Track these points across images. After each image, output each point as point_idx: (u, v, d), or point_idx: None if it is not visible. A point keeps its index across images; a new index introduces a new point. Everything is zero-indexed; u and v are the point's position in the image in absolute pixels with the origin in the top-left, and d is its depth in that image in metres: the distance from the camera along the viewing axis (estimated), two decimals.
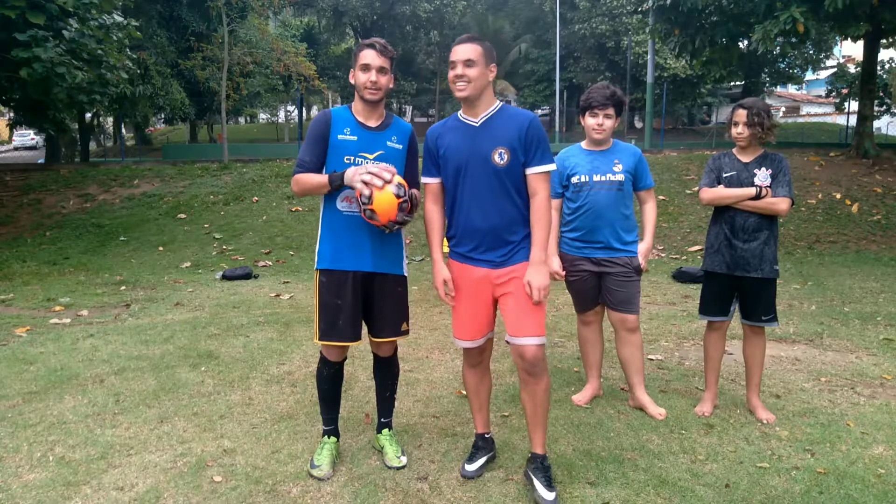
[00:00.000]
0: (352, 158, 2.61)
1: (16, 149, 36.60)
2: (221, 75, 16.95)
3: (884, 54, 22.11)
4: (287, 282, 7.61)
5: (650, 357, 4.44)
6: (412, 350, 4.62)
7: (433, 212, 2.71)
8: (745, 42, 14.95)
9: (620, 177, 3.34)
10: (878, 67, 16.85)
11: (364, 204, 2.44)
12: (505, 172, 2.51)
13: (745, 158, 3.29)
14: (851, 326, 5.29)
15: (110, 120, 31.01)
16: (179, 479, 2.73)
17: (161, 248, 9.85)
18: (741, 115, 3.23)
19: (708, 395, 3.47)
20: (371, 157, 2.62)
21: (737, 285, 3.32)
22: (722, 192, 3.25)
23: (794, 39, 12.54)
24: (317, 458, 2.82)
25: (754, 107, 3.20)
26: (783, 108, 44.75)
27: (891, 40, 15.38)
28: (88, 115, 23.23)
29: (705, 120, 39.39)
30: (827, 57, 29.46)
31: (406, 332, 2.82)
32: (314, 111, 56.48)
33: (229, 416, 3.41)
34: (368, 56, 2.57)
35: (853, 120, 19.09)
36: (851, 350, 4.64)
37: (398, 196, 2.42)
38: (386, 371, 2.94)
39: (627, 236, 3.38)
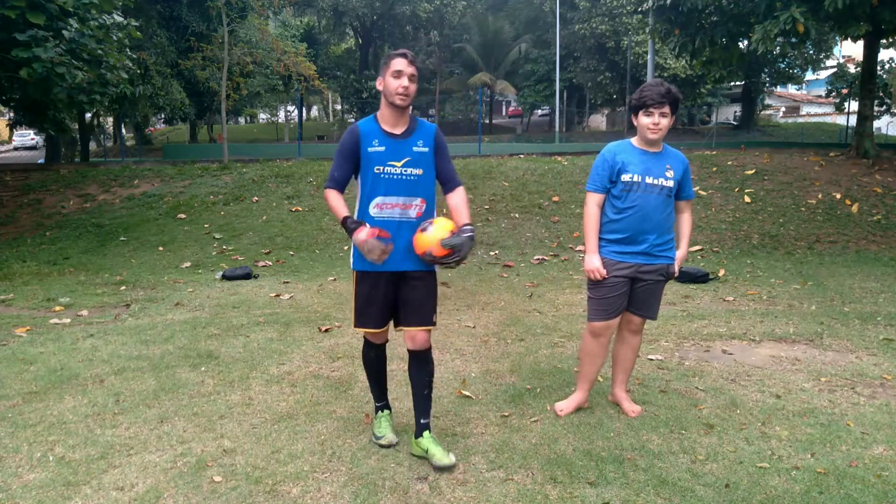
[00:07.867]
0: (381, 169, 2.78)
1: (16, 149, 36.70)
2: (221, 75, 16.92)
3: (884, 54, 22.14)
4: (287, 282, 7.61)
5: (650, 357, 4.44)
6: None
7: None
8: (745, 42, 14.94)
9: (671, 183, 3.17)
10: (878, 67, 16.86)
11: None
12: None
13: None
14: (851, 326, 5.29)
15: (110, 120, 31.02)
16: (179, 479, 2.73)
17: (161, 248, 9.85)
18: None
19: None
20: (399, 164, 2.79)
21: None
22: None
23: (794, 39, 12.54)
24: (378, 431, 3.07)
25: None
26: (783, 108, 44.78)
27: (891, 40, 15.37)
28: (88, 115, 23.24)
29: (705, 120, 39.39)
30: (827, 57, 29.51)
31: (435, 324, 2.95)
32: (314, 111, 56.54)
33: (229, 416, 3.41)
34: (400, 63, 2.74)
35: (853, 120, 19.09)
36: (851, 350, 4.63)
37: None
38: (422, 367, 2.95)
39: (667, 245, 3.27)
